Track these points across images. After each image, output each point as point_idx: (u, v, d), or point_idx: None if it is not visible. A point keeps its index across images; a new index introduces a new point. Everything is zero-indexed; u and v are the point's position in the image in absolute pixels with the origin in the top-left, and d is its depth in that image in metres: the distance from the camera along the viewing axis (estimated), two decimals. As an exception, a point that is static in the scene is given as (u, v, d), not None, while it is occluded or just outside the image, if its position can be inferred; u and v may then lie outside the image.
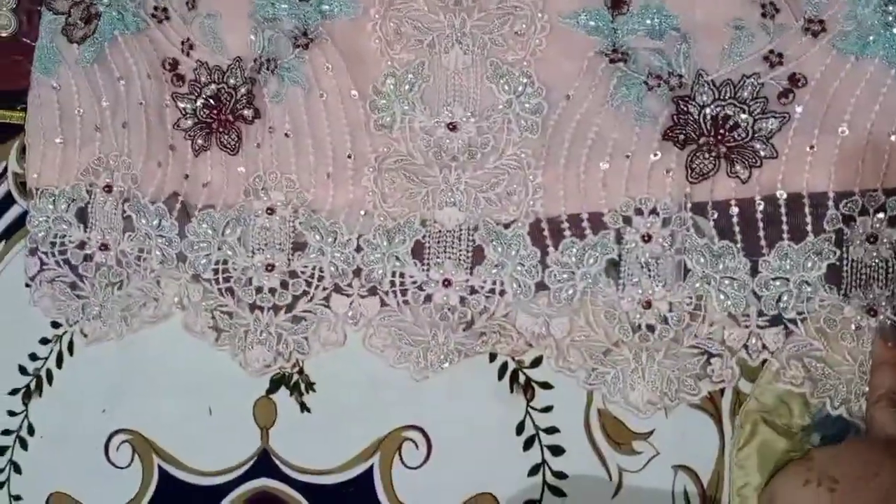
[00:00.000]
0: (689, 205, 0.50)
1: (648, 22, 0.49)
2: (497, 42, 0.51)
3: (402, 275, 0.54)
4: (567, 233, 0.51)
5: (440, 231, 0.53)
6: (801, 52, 0.48)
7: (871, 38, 0.47)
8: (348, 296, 0.55)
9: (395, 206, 0.54)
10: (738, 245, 0.49)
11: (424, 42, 0.52)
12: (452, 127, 0.53)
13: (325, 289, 0.55)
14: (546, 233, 0.51)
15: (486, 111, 0.52)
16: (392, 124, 0.53)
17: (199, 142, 0.55)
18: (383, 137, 0.53)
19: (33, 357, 0.62)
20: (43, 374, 0.62)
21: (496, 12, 0.51)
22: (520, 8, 0.51)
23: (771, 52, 0.48)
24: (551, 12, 0.51)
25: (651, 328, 0.51)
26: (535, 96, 0.51)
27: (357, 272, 0.54)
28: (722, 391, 0.52)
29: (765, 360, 0.50)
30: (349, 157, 0.54)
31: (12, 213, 0.62)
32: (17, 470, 0.61)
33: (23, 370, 0.61)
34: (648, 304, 0.50)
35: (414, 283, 0.54)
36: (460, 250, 0.53)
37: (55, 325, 0.61)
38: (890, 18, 0.46)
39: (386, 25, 0.52)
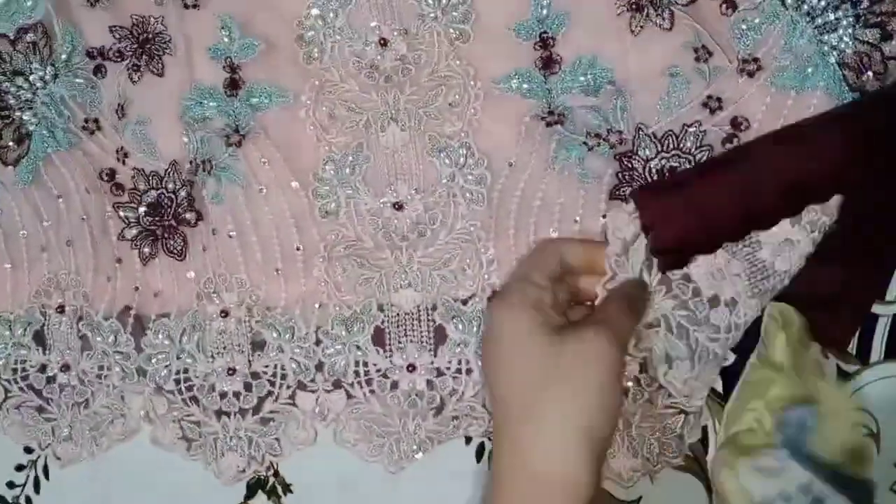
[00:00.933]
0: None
1: (582, 78, 0.48)
2: (432, 115, 0.50)
3: (365, 364, 0.52)
4: (528, 302, 0.49)
5: (399, 314, 0.51)
6: (739, 93, 0.46)
7: (810, 69, 0.45)
8: (313, 391, 0.53)
9: (349, 293, 0.52)
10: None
11: (360, 123, 0.51)
12: (398, 206, 0.51)
13: (289, 387, 0.53)
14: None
15: (430, 186, 0.51)
16: (337, 210, 0.52)
17: (146, 250, 0.54)
18: (330, 224, 0.52)
19: (10, 485, 0.60)
20: (22, 500, 0.60)
21: (427, 85, 0.50)
22: (451, 77, 0.49)
23: (709, 97, 0.46)
24: (483, 79, 0.49)
25: (625, 391, 0.48)
26: (477, 167, 0.50)
27: (319, 366, 0.52)
28: (706, 449, 0.49)
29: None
30: (297, 249, 0.52)
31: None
32: None
33: (2, 500, 0.60)
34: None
35: (378, 371, 0.52)
36: (421, 332, 0.51)
37: (28, 450, 0.59)
38: (826, 48, 0.45)
39: (319, 111, 0.51)
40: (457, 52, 0.49)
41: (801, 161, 0.44)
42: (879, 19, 0.44)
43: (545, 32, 0.48)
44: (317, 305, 0.52)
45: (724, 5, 0.46)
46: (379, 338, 0.52)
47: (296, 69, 0.51)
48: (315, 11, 0.50)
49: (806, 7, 0.45)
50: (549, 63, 0.48)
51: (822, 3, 0.44)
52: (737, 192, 0.44)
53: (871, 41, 0.44)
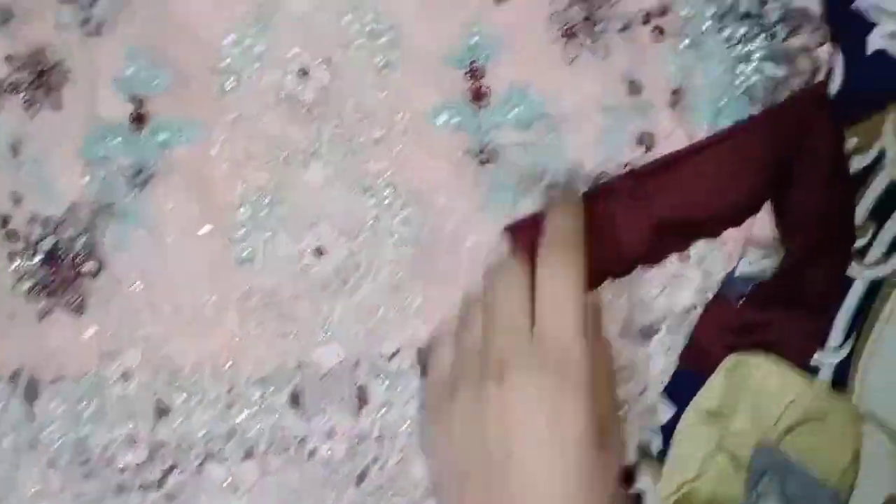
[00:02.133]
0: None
1: (514, 112, 0.44)
2: (357, 151, 0.46)
3: (281, 429, 0.46)
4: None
5: (318, 373, 0.46)
6: (668, 129, 0.44)
7: (723, 101, 0.43)
8: (224, 461, 0.47)
9: (265, 350, 0.46)
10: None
11: (279, 159, 0.46)
12: (320, 251, 0.46)
13: (197, 457, 0.47)
14: (434, 360, 0.44)
15: (354, 229, 0.46)
16: (253, 257, 0.47)
17: (42, 305, 0.48)
18: (245, 273, 0.47)
19: None
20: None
21: (352, 118, 0.46)
22: (377, 110, 0.46)
23: (643, 133, 0.44)
24: (412, 112, 0.45)
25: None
26: (405, 207, 0.45)
27: (231, 433, 0.46)
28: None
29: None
30: (209, 300, 0.47)
31: None
32: None
33: None
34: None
35: (295, 437, 0.46)
36: (343, 392, 0.46)
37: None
38: (739, 80, 0.42)
39: (233, 147, 0.46)
40: (383, 82, 0.46)
41: (672, 194, 0.42)
42: (790, 56, 0.42)
43: (475, 61, 0.45)
44: (228, 364, 0.47)
45: (655, 31, 0.44)
46: (296, 400, 0.46)
47: (209, 102, 0.46)
48: (231, 38, 0.46)
49: (725, 34, 0.43)
50: (479, 94, 0.45)
51: (741, 32, 0.43)
52: (610, 228, 0.42)
53: (779, 76, 0.42)
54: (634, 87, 0.44)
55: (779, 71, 0.43)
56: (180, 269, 0.47)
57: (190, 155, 0.47)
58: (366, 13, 0.46)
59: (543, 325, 0.38)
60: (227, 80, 0.46)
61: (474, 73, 0.45)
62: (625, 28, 0.44)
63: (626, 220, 0.42)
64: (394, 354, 0.45)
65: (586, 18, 0.44)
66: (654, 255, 0.43)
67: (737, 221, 0.43)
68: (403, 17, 0.46)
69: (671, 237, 0.42)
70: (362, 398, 0.46)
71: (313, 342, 0.46)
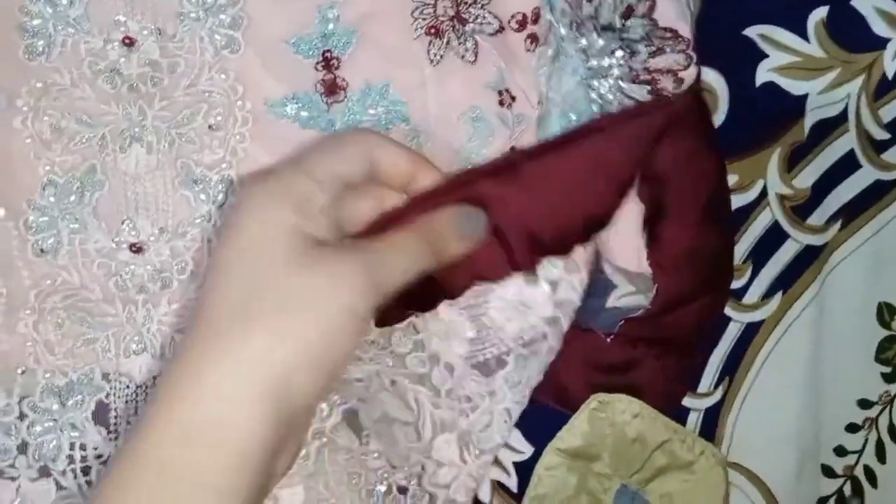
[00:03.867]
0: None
1: (372, 111, 0.39)
2: (188, 139, 0.40)
3: (82, 447, 0.40)
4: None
5: (129, 387, 0.41)
6: None
7: (573, 115, 0.39)
8: (13, 479, 0.40)
9: (66, 357, 0.40)
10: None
11: (93, 139, 0.40)
12: (137, 248, 0.40)
13: (-20, 471, 0.41)
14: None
15: (180, 226, 0.40)
16: (57, 248, 0.40)
17: None
18: (45, 266, 0.40)
19: None
20: None
21: (184, 100, 0.40)
22: (214, 94, 0.40)
23: (513, 149, 0.39)
24: (254, 100, 0.40)
25: (403, 490, 0.40)
26: (240, 206, 0.40)
27: (22, 447, 0.40)
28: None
29: None
30: (-1, 295, 0.40)
31: None
32: None
33: None
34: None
35: (98, 457, 0.40)
36: (154, 412, 0.41)
37: None
38: (593, 95, 0.39)
39: (39, 120, 0.39)
40: (223, 63, 0.40)
41: (511, 204, 0.37)
42: (651, 76, 0.38)
43: (329, 51, 0.39)
44: (20, 370, 0.40)
45: (528, 40, 0.40)
46: (101, 415, 0.40)
47: (13, 66, 0.39)
48: (42, -7, 0.39)
49: (583, 43, 0.39)
50: (333, 88, 0.40)
51: (599, 44, 0.38)
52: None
53: (637, 97, 0.39)
54: (506, 98, 0.40)
55: (638, 92, 0.39)
56: (-33, 255, 0.40)
57: (-14, 124, 0.40)
58: (207, -20, 0.40)
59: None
60: (36, 43, 0.39)
61: (328, 64, 0.39)
62: (497, 32, 0.40)
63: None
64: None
65: (455, 17, 0.39)
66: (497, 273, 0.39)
67: (583, 237, 0.39)
68: (251, -10, 0.40)
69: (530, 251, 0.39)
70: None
71: (125, 352, 0.40)
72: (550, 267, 0.40)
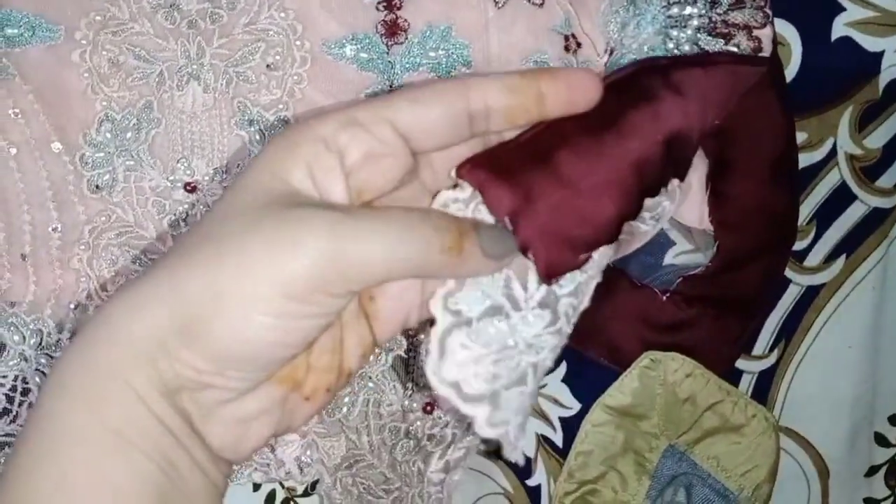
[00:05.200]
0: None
1: (432, 54, 0.39)
2: (245, 78, 0.39)
3: (132, 384, 0.41)
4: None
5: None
6: None
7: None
8: None
9: (118, 294, 0.41)
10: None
11: (151, 76, 0.39)
12: (192, 188, 0.40)
13: (31, 405, 0.41)
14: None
15: (234, 167, 0.40)
16: (112, 185, 0.40)
17: None
18: (100, 203, 0.40)
19: None
20: None
21: (242, 38, 0.39)
22: (272, 33, 0.39)
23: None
24: (313, 40, 0.39)
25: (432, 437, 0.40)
26: (296, 148, 0.40)
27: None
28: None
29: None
30: (54, 230, 0.40)
31: None
32: None
33: None
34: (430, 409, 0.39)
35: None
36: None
37: None
38: (670, 45, 0.37)
39: (98, 54, 0.39)
40: (282, 1, 0.39)
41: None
42: (728, 30, 0.37)
43: (392, -10, 0.39)
44: (73, 305, 0.41)
45: (597, -19, 0.38)
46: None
47: (71, -2, 0.39)
48: (102, -78, 0.38)
49: None
50: (393, 30, 0.39)
51: None
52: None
53: (710, 50, 0.37)
54: (572, 44, 0.39)
55: (713, 45, 0.38)
56: (21, 189, 0.40)
57: (43, 58, 0.39)
58: (271, -85, 0.39)
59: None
60: (94, -27, 0.39)
61: (390, 4, 0.38)
62: (565, -26, 0.38)
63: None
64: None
65: (524, -42, 0.38)
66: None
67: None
68: (315, -73, 0.39)
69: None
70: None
71: (176, 291, 0.40)
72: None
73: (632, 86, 0.33)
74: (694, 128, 0.33)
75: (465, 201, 0.29)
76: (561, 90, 0.29)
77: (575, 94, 0.29)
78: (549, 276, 0.29)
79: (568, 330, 0.30)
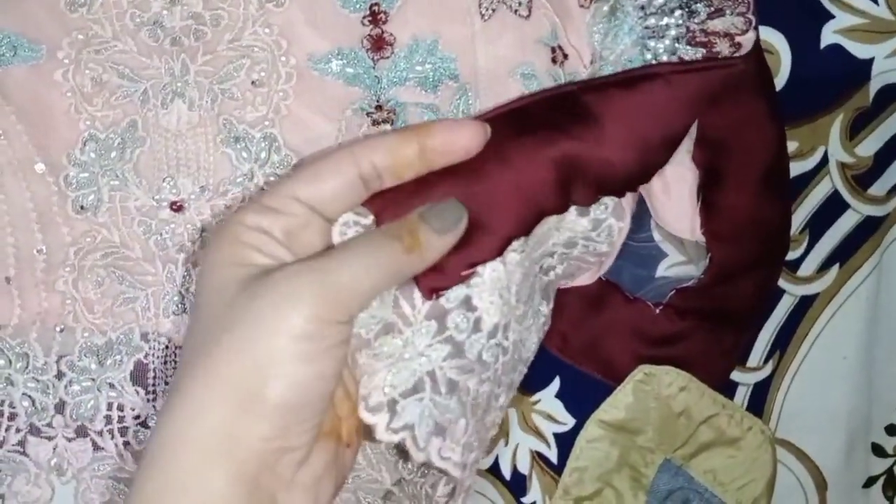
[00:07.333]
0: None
1: (419, 68, 0.38)
2: (230, 95, 0.39)
3: (120, 408, 0.40)
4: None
5: (167, 347, 0.40)
6: None
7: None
8: (50, 438, 0.40)
9: (105, 316, 0.40)
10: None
11: (135, 94, 0.39)
12: (178, 207, 0.40)
13: (18, 430, 0.40)
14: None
15: (221, 185, 0.39)
16: (97, 205, 0.39)
17: None
18: (85, 223, 0.39)
19: None
20: None
21: (227, 55, 0.39)
22: (257, 49, 0.39)
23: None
24: (298, 55, 0.39)
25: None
26: (283, 164, 0.39)
27: (60, 406, 0.40)
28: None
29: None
30: (38, 252, 0.39)
31: None
32: None
33: None
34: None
35: (136, 418, 0.40)
36: (193, 373, 0.40)
37: None
38: (648, 56, 0.37)
39: (81, 73, 0.39)
40: (267, 17, 0.38)
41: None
42: (708, 39, 0.37)
43: (377, 4, 0.38)
44: (59, 328, 0.40)
45: (584, -7, 0.38)
46: (140, 376, 0.40)
47: (53, 17, 0.38)
48: (82, -58, 0.38)
49: (641, 1, 0.37)
50: (379, 44, 0.38)
51: (658, 1, 0.37)
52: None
53: (693, 60, 0.37)
54: (559, 56, 0.38)
55: (693, 54, 0.37)
56: (3, 212, 0.39)
57: (26, 77, 0.38)
58: (253, -70, 0.39)
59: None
60: (76, -8, 0.38)
61: (375, 18, 0.38)
62: (551, -14, 0.38)
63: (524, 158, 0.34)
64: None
65: (509, -31, 0.38)
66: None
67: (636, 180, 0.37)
68: (297, -58, 0.39)
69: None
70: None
71: (164, 312, 0.40)
72: (602, 206, 0.37)
73: (522, 116, 0.35)
74: (604, 148, 0.35)
75: (364, 225, 0.32)
76: (438, 144, 0.32)
77: (454, 146, 0.32)
78: (430, 292, 0.32)
79: (464, 339, 0.32)
